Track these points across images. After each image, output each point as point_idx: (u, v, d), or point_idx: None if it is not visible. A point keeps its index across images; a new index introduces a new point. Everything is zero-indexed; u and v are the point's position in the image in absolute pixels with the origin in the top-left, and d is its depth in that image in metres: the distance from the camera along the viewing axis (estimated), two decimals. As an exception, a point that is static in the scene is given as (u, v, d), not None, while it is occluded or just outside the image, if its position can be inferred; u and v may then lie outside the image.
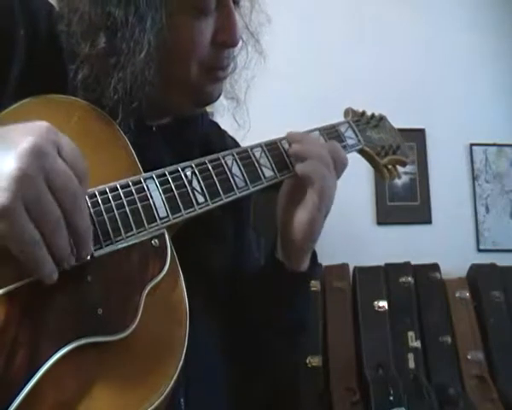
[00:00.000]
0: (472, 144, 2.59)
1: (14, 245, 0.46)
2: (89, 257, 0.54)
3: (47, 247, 0.47)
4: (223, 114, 0.82)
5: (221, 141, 0.86)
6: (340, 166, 0.74)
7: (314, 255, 0.79)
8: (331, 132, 0.82)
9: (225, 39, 0.70)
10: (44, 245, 0.47)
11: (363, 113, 0.91)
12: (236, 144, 0.88)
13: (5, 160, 0.45)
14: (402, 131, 0.98)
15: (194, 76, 0.70)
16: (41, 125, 0.48)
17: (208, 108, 0.85)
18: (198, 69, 0.70)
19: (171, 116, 0.78)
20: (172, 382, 0.53)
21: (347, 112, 0.90)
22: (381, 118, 0.93)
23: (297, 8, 2.48)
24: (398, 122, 0.99)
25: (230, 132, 0.89)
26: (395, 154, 0.90)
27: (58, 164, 0.47)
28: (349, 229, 2.35)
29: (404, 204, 2.52)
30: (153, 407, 0.51)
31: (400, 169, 0.95)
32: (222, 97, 0.79)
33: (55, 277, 0.49)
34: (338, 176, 0.75)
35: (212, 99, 0.75)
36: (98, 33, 0.63)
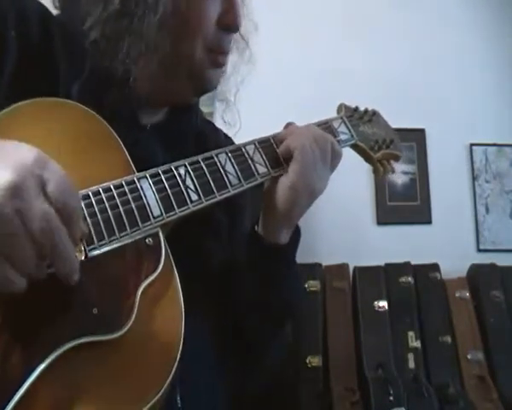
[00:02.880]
0: (472, 144, 2.58)
1: None
2: (83, 257, 0.54)
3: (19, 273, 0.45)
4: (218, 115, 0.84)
5: (216, 139, 0.87)
6: (327, 152, 0.76)
7: (297, 234, 0.79)
8: (324, 128, 0.83)
9: (229, 22, 0.73)
10: (14, 272, 0.44)
11: (356, 108, 0.91)
12: (231, 142, 0.89)
13: None
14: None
15: (198, 56, 0.72)
16: (29, 157, 0.46)
17: (208, 109, 0.86)
18: (202, 49, 0.72)
19: (168, 106, 0.79)
20: (169, 380, 0.53)
21: (340, 108, 0.90)
22: (374, 113, 0.93)
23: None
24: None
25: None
26: (388, 148, 0.90)
27: (35, 205, 0.44)
28: (349, 229, 2.36)
29: (404, 204, 2.52)
30: (149, 405, 0.51)
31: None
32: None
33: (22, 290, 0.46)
34: (332, 163, 0.78)
35: (210, 85, 0.77)
36: None
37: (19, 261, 0.44)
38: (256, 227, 0.78)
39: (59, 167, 0.48)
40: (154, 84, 0.71)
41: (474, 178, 2.57)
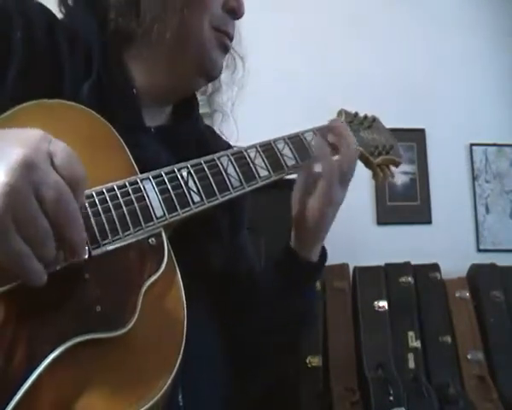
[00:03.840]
0: (472, 144, 2.59)
1: (2, 257, 0.45)
2: (87, 256, 0.54)
3: (36, 256, 0.46)
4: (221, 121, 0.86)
5: (216, 143, 0.88)
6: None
7: (323, 253, 0.83)
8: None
9: (233, 6, 0.76)
10: (33, 256, 0.46)
11: (356, 114, 0.92)
12: (230, 147, 0.90)
13: None
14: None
15: (206, 34, 0.75)
16: (34, 134, 0.48)
17: (205, 109, 0.88)
18: (209, 27, 0.75)
19: (172, 100, 0.81)
20: (171, 379, 0.53)
21: (340, 113, 0.91)
22: (374, 119, 0.94)
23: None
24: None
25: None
26: (388, 154, 0.91)
27: (49, 177, 0.46)
28: (349, 229, 2.35)
29: (404, 204, 2.52)
30: (151, 403, 0.51)
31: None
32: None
33: (43, 281, 0.48)
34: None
35: (216, 67, 0.79)
36: None
37: (37, 239, 0.46)
38: (289, 243, 0.81)
39: (63, 142, 0.50)
40: (160, 72, 0.74)
41: (474, 178, 2.57)
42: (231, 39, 0.80)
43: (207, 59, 0.77)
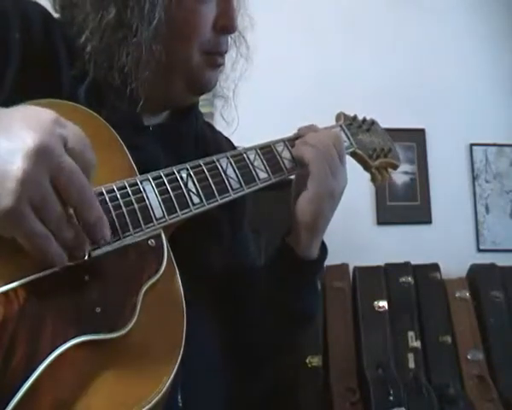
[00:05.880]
0: (472, 144, 2.59)
1: (24, 242, 0.48)
2: (86, 257, 0.54)
3: (56, 239, 0.49)
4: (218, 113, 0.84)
5: (216, 141, 0.88)
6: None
7: (323, 252, 0.81)
8: None
9: (225, 24, 0.73)
10: (52, 238, 0.48)
11: (355, 117, 0.93)
12: (231, 144, 0.90)
13: (11, 159, 0.45)
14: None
15: (195, 60, 0.73)
16: (47, 118, 0.49)
17: (208, 109, 0.87)
18: (199, 53, 0.73)
19: (168, 109, 0.80)
20: (170, 380, 0.53)
21: (339, 116, 0.92)
22: (373, 122, 0.94)
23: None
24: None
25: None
26: (386, 157, 0.91)
27: (63, 161, 0.48)
28: (349, 229, 2.35)
29: (404, 204, 2.53)
30: (151, 404, 0.51)
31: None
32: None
33: (63, 264, 0.51)
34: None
35: (209, 86, 0.78)
36: (109, 5, 0.66)
37: (52, 223, 0.48)
38: (286, 239, 0.79)
39: (74, 125, 0.51)
40: (152, 89, 0.71)
41: (474, 178, 2.57)
42: (224, 54, 0.77)
43: (197, 81, 0.75)
